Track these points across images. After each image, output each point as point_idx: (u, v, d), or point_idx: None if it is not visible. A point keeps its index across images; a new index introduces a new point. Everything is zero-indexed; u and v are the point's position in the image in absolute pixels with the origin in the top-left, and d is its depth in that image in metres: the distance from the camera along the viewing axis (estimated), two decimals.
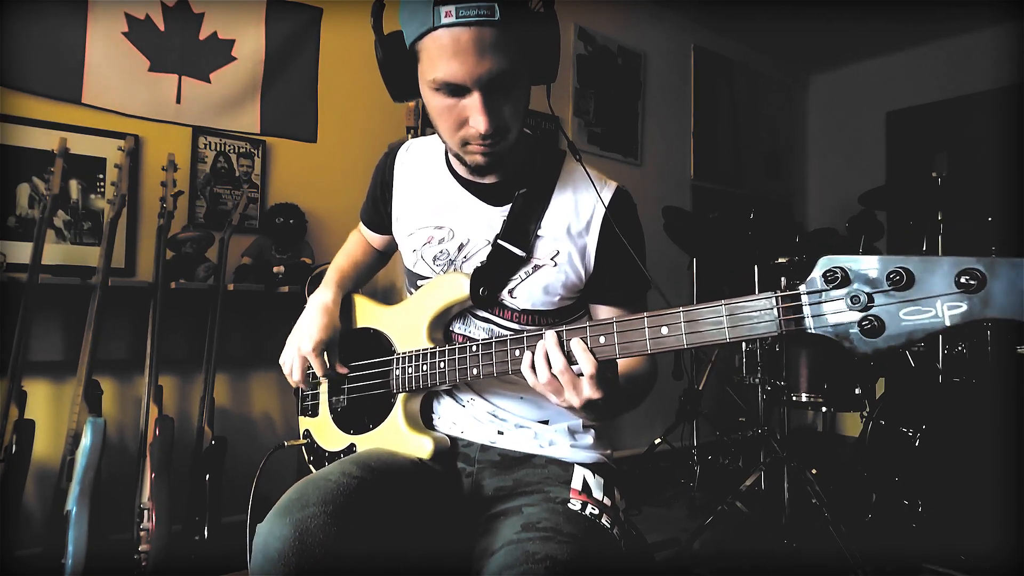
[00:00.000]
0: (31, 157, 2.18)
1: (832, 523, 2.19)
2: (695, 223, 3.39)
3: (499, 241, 1.03)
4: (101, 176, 2.32)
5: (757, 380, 2.78)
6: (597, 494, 1.00)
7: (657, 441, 3.29)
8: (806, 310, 0.69)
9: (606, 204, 1.02)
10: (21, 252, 2.11)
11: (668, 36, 4.24)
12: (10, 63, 2.15)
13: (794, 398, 2.60)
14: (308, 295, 1.28)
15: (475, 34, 0.85)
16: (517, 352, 0.91)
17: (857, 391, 2.55)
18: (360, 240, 1.32)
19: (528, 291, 1.03)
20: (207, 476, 2.14)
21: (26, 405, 1.95)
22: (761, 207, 2.92)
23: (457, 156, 0.99)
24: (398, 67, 0.94)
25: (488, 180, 1.05)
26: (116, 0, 2.34)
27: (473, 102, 0.89)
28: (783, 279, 2.68)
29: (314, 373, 1.15)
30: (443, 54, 0.86)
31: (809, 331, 0.69)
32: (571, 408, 0.86)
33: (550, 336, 0.86)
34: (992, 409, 2.36)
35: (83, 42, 2.28)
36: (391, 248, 1.32)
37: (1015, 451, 2.18)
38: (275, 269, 2.45)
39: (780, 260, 2.67)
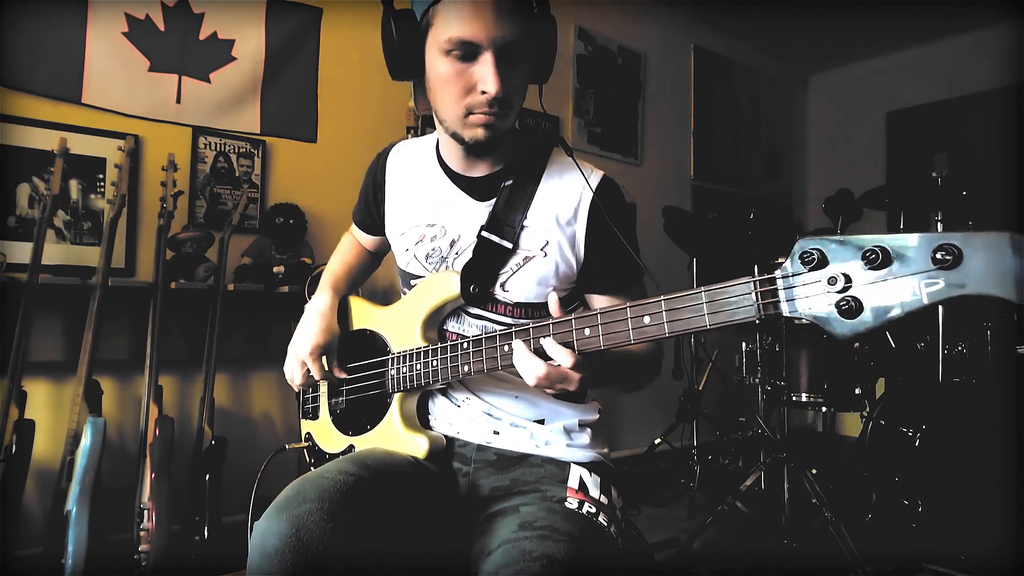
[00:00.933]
0: (31, 157, 2.19)
1: (832, 523, 2.19)
2: (695, 223, 3.39)
3: (483, 233, 1.03)
4: (101, 176, 2.33)
5: (757, 380, 2.78)
6: (594, 492, 1.00)
7: (657, 441, 3.29)
8: (782, 294, 0.69)
9: (593, 191, 1.03)
10: (21, 252, 2.11)
11: (668, 36, 4.24)
12: (10, 63, 2.15)
13: (794, 398, 2.60)
14: (308, 295, 1.28)
15: None
16: (506, 348, 0.91)
17: (857, 391, 2.55)
18: (352, 243, 1.33)
19: (520, 283, 1.03)
20: (207, 476, 2.14)
21: (26, 405, 1.96)
22: (761, 207, 2.92)
23: (455, 135, 0.99)
24: (405, 40, 0.96)
25: (478, 172, 1.06)
26: (116, 0, 2.35)
27: (484, 64, 0.91)
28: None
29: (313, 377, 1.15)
30: (461, 13, 0.90)
31: (787, 315, 0.69)
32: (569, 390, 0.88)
33: (519, 348, 0.87)
34: (992, 409, 2.36)
35: (83, 42, 2.28)
36: (383, 249, 1.32)
37: (1015, 451, 2.18)
38: (275, 269, 2.45)
39: (780, 260, 2.66)
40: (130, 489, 2.03)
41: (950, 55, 4.43)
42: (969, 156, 4.14)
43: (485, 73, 0.91)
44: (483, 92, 0.92)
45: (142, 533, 1.97)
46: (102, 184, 2.32)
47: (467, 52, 0.91)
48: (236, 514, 2.37)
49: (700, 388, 3.34)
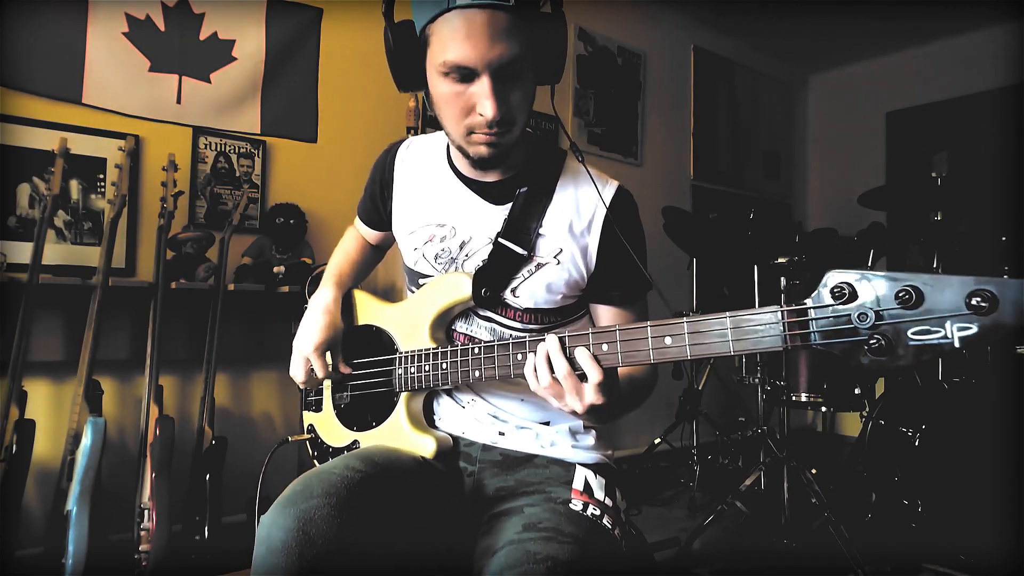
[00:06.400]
0: (31, 157, 2.18)
1: (832, 523, 2.19)
2: (695, 223, 3.39)
3: (500, 240, 1.03)
4: (101, 176, 2.32)
5: (757, 380, 2.78)
6: (598, 495, 1.00)
7: (657, 441, 3.29)
8: (812, 325, 0.68)
9: (608, 203, 1.02)
10: (21, 252, 2.11)
11: (668, 36, 4.24)
12: (10, 63, 2.15)
13: (794, 398, 2.60)
14: (308, 295, 1.28)
15: (488, 17, 0.85)
16: (520, 356, 0.91)
17: (857, 391, 2.55)
18: (356, 237, 1.32)
19: (531, 290, 1.03)
20: (207, 476, 2.14)
21: (26, 405, 1.95)
22: (761, 207, 2.92)
23: (460, 149, 0.98)
24: (406, 55, 0.94)
25: (490, 177, 1.05)
26: (116, 0, 2.34)
27: (482, 87, 0.88)
28: (783, 279, 2.68)
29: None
30: (455, 36, 0.86)
31: (815, 347, 0.68)
32: (573, 413, 0.86)
33: (552, 341, 0.85)
34: (992, 409, 2.36)
35: (83, 42, 2.28)
36: (387, 243, 1.32)
37: (1015, 451, 2.18)
38: (275, 269, 2.45)
39: (780, 260, 2.67)
40: (130, 489, 2.03)
41: (950, 55, 4.43)
42: (969, 156, 4.15)
43: (482, 97, 0.88)
44: (481, 115, 0.90)
45: (142, 533, 1.97)
46: (102, 184, 2.32)
47: (464, 75, 0.89)
48: (236, 514, 2.37)
49: (700, 388, 3.34)
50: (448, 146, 1.10)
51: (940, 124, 4.45)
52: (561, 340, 0.85)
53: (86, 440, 1.91)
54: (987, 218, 2.81)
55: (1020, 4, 3.90)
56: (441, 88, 0.92)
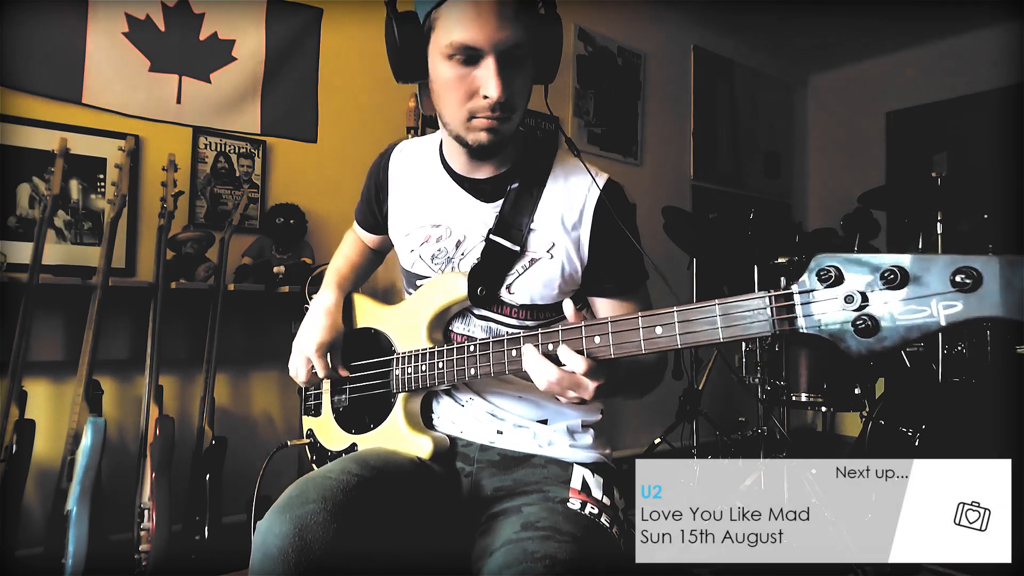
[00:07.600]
0: (31, 157, 2.18)
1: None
2: (695, 223, 3.39)
3: (491, 236, 1.03)
4: (101, 176, 2.32)
5: (757, 380, 2.78)
6: (596, 493, 1.00)
7: (657, 441, 3.29)
8: (799, 310, 0.69)
9: (599, 192, 1.02)
10: (21, 252, 2.11)
11: (668, 36, 4.24)
12: (10, 63, 2.15)
13: (794, 398, 2.60)
14: (308, 296, 1.28)
15: (496, 0, 0.88)
16: (514, 352, 0.91)
17: (857, 391, 2.55)
18: (355, 240, 1.33)
19: (526, 286, 1.03)
20: (207, 476, 2.14)
21: (26, 405, 1.95)
22: (761, 207, 2.92)
23: (458, 138, 0.98)
24: (408, 43, 0.95)
25: (483, 174, 1.06)
26: (116, 0, 2.34)
27: (487, 69, 0.90)
28: (783, 279, 2.69)
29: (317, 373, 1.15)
30: (463, 17, 0.89)
31: (802, 331, 0.68)
32: (582, 401, 0.87)
33: (528, 351, 0.87)
34: (992, 409, 2.36)
35: (83, 42, 2.28)
36: (386, 247, 1.32)
37: (1015, 451, 2.18)
38: (275, 269, 2.45)
39: (780, 260, 2.67)
40: (130, 489, 2.03)
41: (950, 55, 4.43)
42: (969, 156, 4.15)
43: (487, 78, 0.90)
44: (485, 97, 0.91)
45: (142, 533, 1.97)
46: (102, 184, 2.32)
47: (469, 57, 0.90)
48: (236, 514, 2.37)
49: (700, 388, 3.34)
50: (441, 146, 1.10)
51: (940, 124, 4.45)
52: (536, 347, 0.87)
53: (86, 440, 1.91)
54: (987, 218, 2.81)
55: (1020, 4, 3.90)
56: (444, 72, 0.93)
